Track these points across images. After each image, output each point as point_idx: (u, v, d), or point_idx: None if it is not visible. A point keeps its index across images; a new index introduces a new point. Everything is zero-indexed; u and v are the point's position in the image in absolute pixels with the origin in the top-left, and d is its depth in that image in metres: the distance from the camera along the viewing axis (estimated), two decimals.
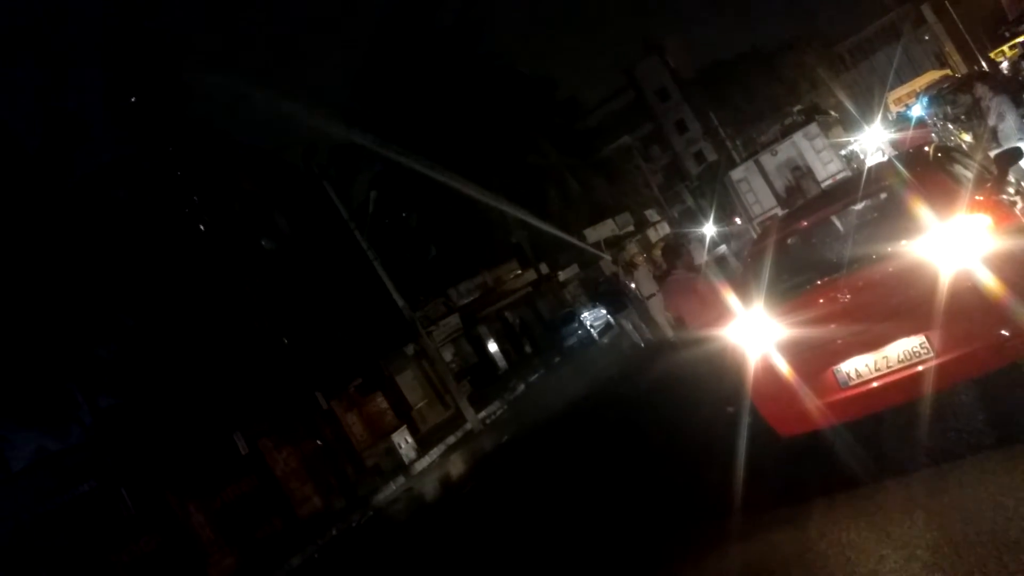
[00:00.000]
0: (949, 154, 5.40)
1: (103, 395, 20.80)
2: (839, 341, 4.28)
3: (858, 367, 4.25)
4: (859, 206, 5.62)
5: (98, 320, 20.94)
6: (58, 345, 19.77)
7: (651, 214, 42.54)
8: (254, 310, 20.07)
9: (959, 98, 11.69)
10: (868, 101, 31.65)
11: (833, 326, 4.27)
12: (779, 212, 16.51)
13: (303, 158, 21.44)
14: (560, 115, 38.94)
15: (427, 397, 24.59)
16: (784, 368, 4.42)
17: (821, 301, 4.41)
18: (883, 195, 5.33)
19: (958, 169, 4.92)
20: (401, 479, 17.32)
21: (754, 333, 4.61)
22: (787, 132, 18.09)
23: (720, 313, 5.51)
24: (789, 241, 5.46)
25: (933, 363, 4.02)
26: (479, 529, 8.98)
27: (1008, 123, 8.99)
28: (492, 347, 30.86)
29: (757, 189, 17.48)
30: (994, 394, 4.55)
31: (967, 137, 10.88)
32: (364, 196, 28.62)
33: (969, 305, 3.88)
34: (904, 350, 4.11)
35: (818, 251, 5.62)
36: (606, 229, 35.26)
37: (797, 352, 4.41)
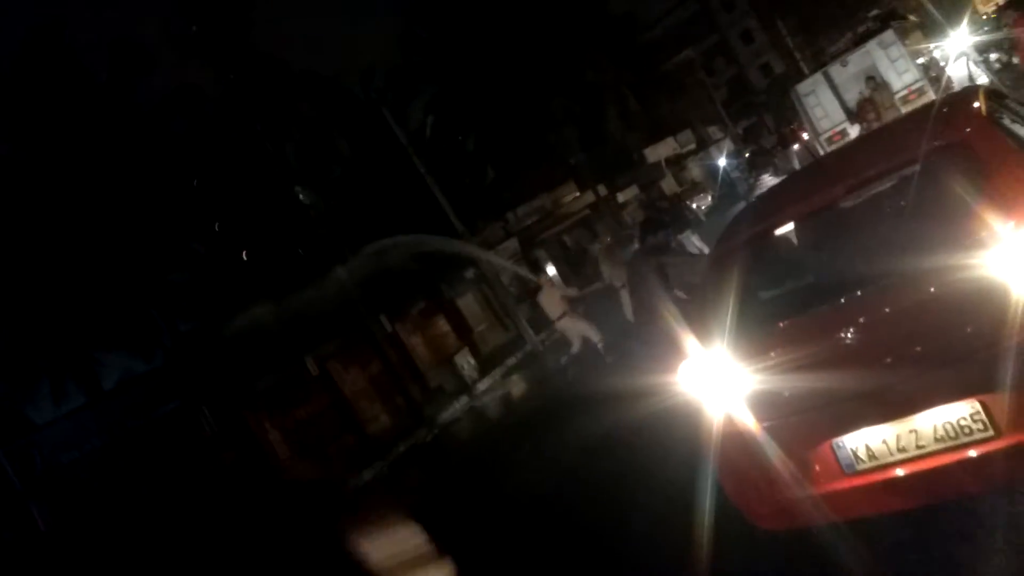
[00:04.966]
0: (1004, 105, 3.65)
1: (181, 320, 21.90)
2: (842, 402, 2.84)
3: (871, 443, 2.84)
4: (875, 191, 3.64)
5: (171, 248, 21.85)
6: (138, 273, 20.78)
7: (714, 131, 41.25)
8: (320, 236, 20.53)
9: None
10: (954, 2, 29.40)
11: (833, 378, 2.82)
12: (848, 127, 15.81)
13: (361, 83, 21.42)
14: (619, 30, 37.57)
15: (487, 320, 25.00)
16: (758, 437, 3.01)
17: (815, 339, 2.95)
18: (912, 173, 3.27)
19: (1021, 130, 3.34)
20: (464, 398, 17.88)
21: (714, 384, 3.15)
22: (860, 40, 17.09)
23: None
24: (767, 246, 3.74)
25: (992, 446, 2.62)
26: (539, 445, 9.27)
27: None
28: (550, 270, 30.96)
29: (825, 103, 16.67)
30: None
31: None
32: (421, 121, 28.52)
33: None
34: (946, 423, 2.70)
35: (812, 262, 3.86)
36: (667, 148, 34.47)
37: (778, 415, 2.97)
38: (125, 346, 21.76)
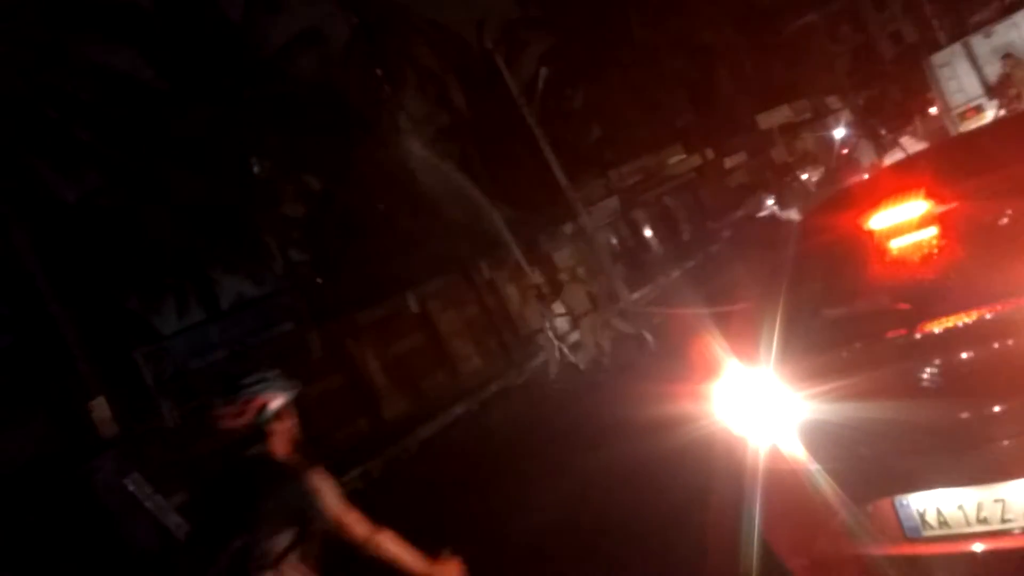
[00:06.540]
0: None
1: (294, 250, 23.23)
2: (912, 452, 2.30)
3: (944, 507, 2.28)
4: (1000, 191, 2.64)
5: (288, 182, 23.06)
6: (255, 202, 22.07)
7: (832, 101, 39.44)
8: (429, 179, 21.21)
9: None
10: None
11: (904, 419, 2.29)
12: (984, 102, 15.00)
13: (476, 33, 21.71)
14: None
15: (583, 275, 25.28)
16: (808, 478, 2.48)
17: (892, 368, 2.39)
18: None
19: None
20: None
21: (757, 410, 2.67)
22: (1009, 10, 16.03)
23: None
24: (838, 249, 2.96)
25: None
26: (620, 395, 9.61)
27: None
28: (648, 232, 30.81)
29: (962, 76, 15.77)
30: None
31: None
32: (533, 73, 28.66)
33: None
34: None
35: (903, 271, 2.89)
36: (781, 115, 33.27)
37: (830, 456, 2.44)
38: (240, 270, 23.30)
